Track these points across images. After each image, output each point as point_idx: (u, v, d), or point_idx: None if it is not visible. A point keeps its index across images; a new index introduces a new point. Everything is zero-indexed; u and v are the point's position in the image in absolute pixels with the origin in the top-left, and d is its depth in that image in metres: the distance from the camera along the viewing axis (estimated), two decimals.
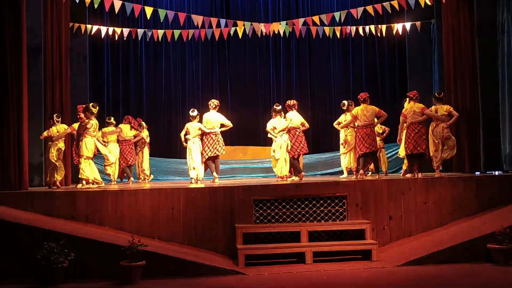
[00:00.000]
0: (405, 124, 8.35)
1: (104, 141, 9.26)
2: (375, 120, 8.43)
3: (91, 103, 8.37)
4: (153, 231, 6.89)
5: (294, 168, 8.66)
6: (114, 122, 9.79)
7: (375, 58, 13.14)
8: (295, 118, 8.74)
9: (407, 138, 8.30)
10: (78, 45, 10.78)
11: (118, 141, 9.63)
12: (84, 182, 8.12)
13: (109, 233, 6.60)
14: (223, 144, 8.75)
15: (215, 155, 8.64)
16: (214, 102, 8.92)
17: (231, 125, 8.86)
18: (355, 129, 8.63)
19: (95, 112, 8.28)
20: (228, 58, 13.10)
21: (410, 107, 8.38)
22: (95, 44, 11.98)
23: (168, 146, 12.18)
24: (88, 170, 8.11)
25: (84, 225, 6.76)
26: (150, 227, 6.90)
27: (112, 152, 9.30)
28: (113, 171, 9.39)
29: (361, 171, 8.27)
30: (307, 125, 8.88)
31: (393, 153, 10.86)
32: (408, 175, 8.38)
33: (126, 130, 9.81)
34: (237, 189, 7.10)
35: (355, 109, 8.56)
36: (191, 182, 8.73)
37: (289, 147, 8.62)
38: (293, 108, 8.86)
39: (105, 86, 12.48)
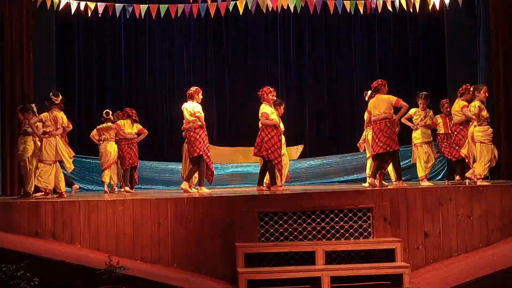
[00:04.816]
0: None
1: (99, 140, 9.71)
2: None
3: (51, 92, 8.39)
4: (135, 250, 6.90)
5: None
6: (112, 118, 9.95)
7: (407, 39, 13.15)
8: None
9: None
10: (42, 23, 10.81)
11: (116, 140, 9.85)
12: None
13: (81, 253, 6.59)
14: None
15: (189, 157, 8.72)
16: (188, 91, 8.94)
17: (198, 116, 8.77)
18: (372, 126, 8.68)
19: (58, 102, 8.30)
20: (226, 39, 13.12)
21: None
22: (63, 22, 12.00)
23: (152, 146, 12.19)
24: (48, 177, 8.16)
25: (50, 243, 6.76)
26: (131, 246, 6.91)
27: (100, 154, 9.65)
28: (109, 177, 9.64)
29: (370, 180, 8.30)
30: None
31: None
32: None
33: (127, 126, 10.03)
34: (238, 200, 7.09)
35: (369, 103, 8.63)
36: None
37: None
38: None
39: (75, 71, 12.53)
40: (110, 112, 10.01)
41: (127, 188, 9.74)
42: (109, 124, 9.86)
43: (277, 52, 13.25)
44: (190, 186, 8.68)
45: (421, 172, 9.02)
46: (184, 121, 8.95)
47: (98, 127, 9.90)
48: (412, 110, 9.02)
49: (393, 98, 8.38)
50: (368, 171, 9.29)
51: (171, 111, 12.36)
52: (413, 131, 9.16)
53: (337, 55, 13.26)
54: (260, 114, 8.65)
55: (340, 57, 13.24)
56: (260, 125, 8.95)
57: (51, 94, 8.32)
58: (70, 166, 8.49)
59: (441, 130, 9.23)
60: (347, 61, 13.20)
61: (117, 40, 12.87)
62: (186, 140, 9.13)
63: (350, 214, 7.17)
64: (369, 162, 9.43)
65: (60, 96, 8.37)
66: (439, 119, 9.26)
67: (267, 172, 8.66)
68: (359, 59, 13.24)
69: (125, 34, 12.91)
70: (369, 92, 9.33)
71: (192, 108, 8.60)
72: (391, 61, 13.17)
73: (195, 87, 8.86)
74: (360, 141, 9.49)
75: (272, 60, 13.24)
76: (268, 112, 8.54)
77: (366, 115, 9.37)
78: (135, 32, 12.95)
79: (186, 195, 7.99)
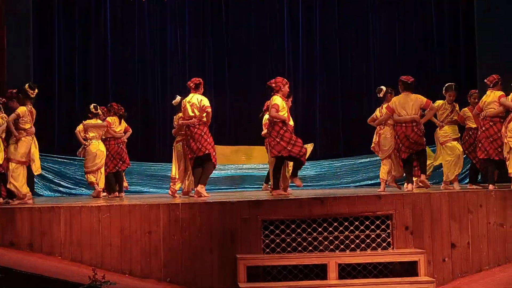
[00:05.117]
0: None
1: (85, 138, 9.69)
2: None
3: (28, 84, 8.36)
4: (122, 263, 6.90)
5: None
6: (101, 113, 9.94)
7: (431, 21, 13.10)
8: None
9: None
10: (17, 5, 10.80)
11: (103, 138, 9.87)
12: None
13: (62, 266, 6.60)
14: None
15: (191, 157, 8.75)
16: (193, 81, 8.92)
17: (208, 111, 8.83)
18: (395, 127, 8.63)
19: (33, 96, 8.29)
20: (226, 24, 13.11)
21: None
22: (41, 4, 12.01)
23: (144, 146, 12.20)
24: (22, 181, 8.14)
25: (27, 254, 6.77)
26: (118, 258, 6.90)
27: (89, 154, 9.65)
28: (98, 179, 9.66)
29: (408, 186, 8.35)
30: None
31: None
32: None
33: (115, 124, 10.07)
34: (239, 206, 7.09)
35: (392, 100, 8.60)
36: (171, 196, 8.91)
37: None
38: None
39: (55, 61, 12.52)
40: (98, 107, 10.00)
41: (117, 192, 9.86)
42: (99, 121, 9.84)
43: (283, 39, 13.22)
44: (188, 190, 8.80)
45: (450, 174, 8.94)
46: (179, 116, 8.94)
47: (85, 122, 9.80)
48: (438, 103, 8.94)
49: (423, 99, 8.42)
50: (382, 175, 9.19)
51: (163, 105, 12.38)
52: (438, 128, 9.11)
53: (352, 42, 13.23)
54: (270, 106, 8.50)
55: (355, 45, 13.21)
56: (265, 120, 8.91)
57: (27, 86, 8.26)
58: (38, 168, 8.51)
59: (471, 124, 9.06)
60: (363, 50, 13.16)
61: (102, 26, 12.84)
62: (178, 138, 9.13)
63: (367, 222, 7.16)
64: (384, 166, 9.27)
65: (36, 90, 8.36)
66: (467, 112, 9.15)
67: (294, 167, 8.63)
68: (376, 46, 13.20)
69: (112, 19, 12.88)
70: (385, 88, 9.24)
71: (200, 102, 8.64)
72: (413, 48, 13.11)
73: (199, 78, 8.88)
74: (373, 144, 9.38)
75: (278, 47, 13.21)
76: (280, 104, 8.49)
77: (379, 112, 9.25)
78: (123, 17, 12.92)
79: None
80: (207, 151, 8.59)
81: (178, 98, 9.16)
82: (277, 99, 8.46)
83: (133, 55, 12.90)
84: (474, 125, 9.04)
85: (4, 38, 9.70)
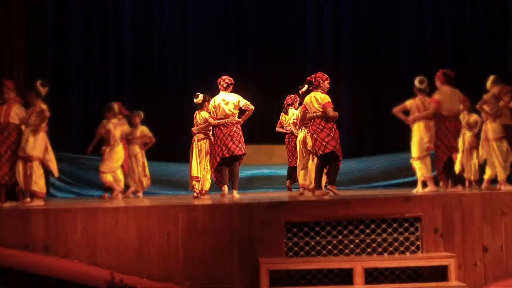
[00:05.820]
0: None
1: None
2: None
3: (39, 81, 8.42)
4: (140, 266, 6.95)
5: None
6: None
7: (465, 12, 13.01)
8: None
9: None
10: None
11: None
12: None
13: (79, 270, 6.68)
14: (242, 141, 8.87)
15: (229, 156, 8.79)
16: (225, 80, 9.01)
17: (253, 108, 8.99)
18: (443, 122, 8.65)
19: (44, 94, 8.39)
20: (249, 11, 13.15)
21: None
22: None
23: (163, 145, 12.29)
24: (41, 179, 8.25)
25: (42, 257, 6.85)
26: (136, 262, 6.96)
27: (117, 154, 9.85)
28: (116, 179, 9.89)
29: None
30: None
31: None
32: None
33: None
34: (260, 207, 7.10)
35: (441, 92, 8.59)
36: (195, 197, 8.88)
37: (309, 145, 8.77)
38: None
39: (72, 55, 12.64)
40: None
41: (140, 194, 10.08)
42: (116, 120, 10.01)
43: (305, 25, 13.20)
44: (203, 192, 9.04)
45: (501, 174, 8.78)
46: (208, 114, 9.04)
47: (114, 121, 9.98)
48: (488, 96, 8.78)
49: (461, 93, 8.64)
50: (430, 172, 9.04)
51: (183, 103, 12.43)
52: (487, 123, 8.87)
53: (380, 32, 13.16)
54: (316, 103, 8.41)
55: (383, 34, 13.15)
56: (295, 115, 8.93)
57: (38, 83, 8.32)
58: (56, 169, 8.66)
59: (507, 120, 8.92)
60: (392, 39, 13.11)
61: (121, 16, 12.94)
62: (200, 137, 9.16)
63: (395, 225, 7.15)
64: (425, 164, 9.13)
65: (47, 87, 8.43)
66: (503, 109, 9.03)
67: (330, 171, 8.60)
68: (406, 37, 13.14)
69: (130, 14, 12.97)
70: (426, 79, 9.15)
71: (238, 100, 8.90)
72: (446, 38, 13.04)
73: (231, 78, 9.08)
74: (428, 138, 8.96)
75: (302, 35, 13.21)
76: (330, 101, 8.45)
77: (421, 103, 9.10)
78: (142, 8, 13.01)
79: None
80: (243, 151, 8.83)
81: (201, 96, 9.23)
82: (323, 96, 8.46)
83: (151, 47, 12.97)
84: (510, 122, 8.94)
85: (21, 32, 9.81)
